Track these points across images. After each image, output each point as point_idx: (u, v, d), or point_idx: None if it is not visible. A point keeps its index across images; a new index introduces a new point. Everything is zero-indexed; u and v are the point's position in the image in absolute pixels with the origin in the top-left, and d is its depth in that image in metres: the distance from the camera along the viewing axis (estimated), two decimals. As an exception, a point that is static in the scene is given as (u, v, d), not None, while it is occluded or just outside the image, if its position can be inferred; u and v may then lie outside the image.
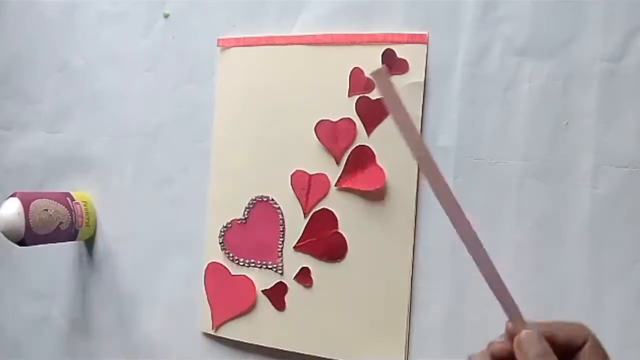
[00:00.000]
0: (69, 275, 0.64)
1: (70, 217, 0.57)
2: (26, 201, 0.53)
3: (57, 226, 0.56)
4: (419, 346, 0.48)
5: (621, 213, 0.44)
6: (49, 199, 0.56)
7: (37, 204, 0.54)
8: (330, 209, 0.52)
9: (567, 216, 0.45)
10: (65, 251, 0.64)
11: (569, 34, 0.45)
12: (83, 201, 0.60)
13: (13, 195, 0.53)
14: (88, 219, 0.59)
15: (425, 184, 0.48)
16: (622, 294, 0.44)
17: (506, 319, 0.45)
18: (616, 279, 0.44)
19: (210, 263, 0.56)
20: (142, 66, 0.60)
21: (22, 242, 0.53)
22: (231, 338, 0.55)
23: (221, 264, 0.56)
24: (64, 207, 0.57)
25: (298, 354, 0.52)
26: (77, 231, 0.58)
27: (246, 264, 0.55)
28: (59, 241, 0.57)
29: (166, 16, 0.59)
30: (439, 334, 0.48)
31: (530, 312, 0.45)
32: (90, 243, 0.62)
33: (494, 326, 0.45)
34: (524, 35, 0.47)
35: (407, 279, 0.49)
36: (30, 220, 0.53)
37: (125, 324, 0.60)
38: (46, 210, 0.54)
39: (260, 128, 0.54)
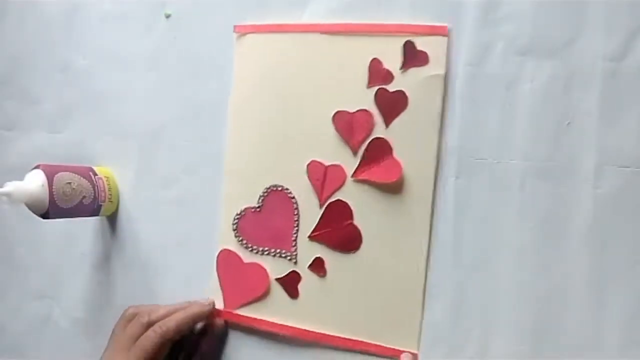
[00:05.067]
0: (71, 275, 0.63)
1: (93, 191, 0.56)
2: (50, 173, 0.52)
3: (80, 200, 0.54)
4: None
5: (623, 213, 0.45)
6: (73, 172, 0.54)
7: (61, 177, 0.53)
8: (346, 200, 0.51)
9: (569, 216, 0.46)
10: (66, 250, 0.63)
11: (571, 33, 0.46)
12: (106, 176, 0.59)
13: (37, 167, 0.52)
14: (111, 194, 0.58)
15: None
16: (625, 294, 0.45)
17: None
18: (618, 279, 0.45)
19: (222, 250, 0.56)
20: (143, 66, 0.59)
21: (45, 215, 0.52)
22: (243, 325, 0.54)
23: (233, 252, 0.55)
24: (87, 181, 0.56)
25: (310, 341, 0.52)
26: (100, 206, 0.57)
27: (260, 252, 0.54)
28: (81, 215, 0.56)
29: (167, 16, 0.58)
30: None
31: (532, 312, 0.46)
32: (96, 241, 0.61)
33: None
34: (525, 35, 0.47)
35: (422, 273, 0.49)
36: (54, 193, 0.51)
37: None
38: (69, 183, 0.53)
39: (276, 117, 0.53)
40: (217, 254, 0.56)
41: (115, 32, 0.60)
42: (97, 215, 0.58)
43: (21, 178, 0.51)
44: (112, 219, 0.61)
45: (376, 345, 0.50)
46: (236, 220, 0.55)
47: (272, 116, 0.54)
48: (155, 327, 0.50)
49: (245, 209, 0.55)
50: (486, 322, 0.47)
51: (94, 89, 0.61)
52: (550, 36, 0.46)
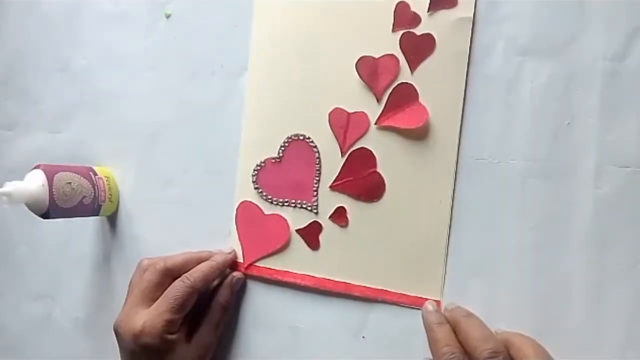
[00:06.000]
0: (71, 274, 0.63)
1: (93, 191, 0.56)
2: (50, 173, 0.52)
3: (81, 200, 0.55)
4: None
5: (623, 213, 0.45)
6: (73, 172, 0.55)
7: (61, 177, 0.53)
8: (369, 147, 0.50)
9: (570, 216, 0.46)
10: (66, 250, 0.63)
11: (571, 33, 0.46)
12: (106, 176, 0.59)
13: (37, 167, 0.52)
14: (111, 194, 0.59)
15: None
16: (625, 294, 0.45)
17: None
18: (619, 279, 0.45)
19: (242, 202, 0.55)
20: (143, 66, 0.59)
21: (45, 215, 0.52)
22: (263, 277, 0.54)
23: (254, 203, 0.54)
24: (87, 181, 0.56)
25: (332, 291, 0.52)
26: (100, 206, 0.57)
27: (280, 203, 0.54)
28: (81, 215, 0.56)
29: (168, 16, 0.58)
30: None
31: (532, 313, 0.46)
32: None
33: (506, 322, 0.47)
34: (526, 35, 0.47)
35: (446, 220, 0.48)
36: (54, 193, 0.52)
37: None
38: (69, 183, 0.53)
39: (298, 63, 0.52)
40: (236, 207, 0.55)
41: (115, 32, 0.60)
42: (97, 215, 0.58)
43: (21, 178, 0.51)
44: (112, 219, 0.61)
45: (398, 294, 0.50)
46: (255, 172, 0.54)
47: (294, 63, 0.53)
48: (183, 277, 0.49)
49: (266, 159, 0.54)
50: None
51: (94, 89, 0.62)
52: (550, 36, 0.46)
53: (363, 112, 0.51)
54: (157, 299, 0.49)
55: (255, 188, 0.54)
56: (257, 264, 0.54)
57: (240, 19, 0.55)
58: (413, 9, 0.49)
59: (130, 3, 0.60)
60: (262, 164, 0.54)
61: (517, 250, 0.47)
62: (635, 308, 0.44)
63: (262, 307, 0.55)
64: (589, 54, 0.46)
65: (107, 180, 0.58)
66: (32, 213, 0.52)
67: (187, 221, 0.58)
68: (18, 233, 0.66)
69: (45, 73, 0.64)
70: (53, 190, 0.51)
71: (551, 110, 0.46)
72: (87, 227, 0.62)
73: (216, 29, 0.56)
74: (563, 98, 0.46)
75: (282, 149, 0.54)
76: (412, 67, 0.50)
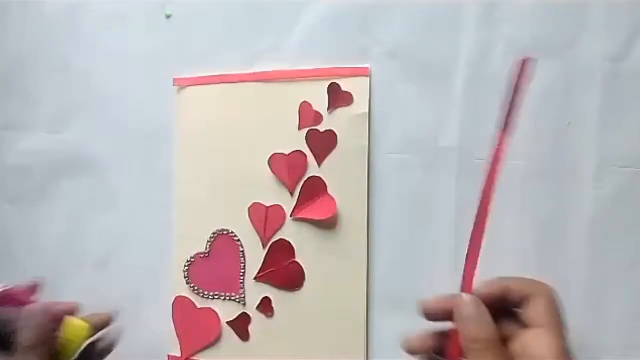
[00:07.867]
0: (71, 274, 0.62)
1: None
2: None
3: None
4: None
5: (624, 213, 0.45)
6: None
7: None
8: (287, 238, 0.53)
9: (570, 216, 0.46)
10: (67, 250, 0.63)
11: (571, 33, 0.46)
12: (70, 338, 0.42)
13: None
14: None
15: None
16: (625, 294, 0.45)
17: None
18: (619, 278, 0.45)
19: (176, 297, 0.57)
20: (143, 66, 0.59)
21: None
22: None
23: (187, 298, 0.56)
24: None
25: None
26: None
27: (210, 297, 0.56)
28: None
29: (168, 16, 0.58)
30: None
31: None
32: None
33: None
34: (525, 35, 0.47)
35: (363, 304, 0.51)
36: None
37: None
38: None
39: (218, 163, 0.55)
40: (172, 302, 0.57)
41: (115, 32, 0.60)
42: None
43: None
44: (113, 219, 0.61)
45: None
46: (187, 267, 0.56)
47: (215, 162, 0.55)
48: None
49: (195, 254, 0.56)
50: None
51: (94, 89, 0.61)
52: (550, 36, 0.47)
53: (279, 205, 0.54)
54: None
55: (187, 283, 0.56)
56: (193, 358, 0.56)
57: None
58: (315, 107, 0.52)
59: (130, 3, 0.59)
60: (192, 259, 0.56)
61: (517, 250, 0.47)
62: (635, 308, 0.45)
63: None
64: (589, 55, 0.46)
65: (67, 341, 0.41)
66: (32, 212, 0.51)
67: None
68: (18, 233, 0.66)
69: (45, 73, 0.64)
70: None
71: (551, 111, 0.46)
72: (88, 227, 0.62)
73: (215, 28, 0.56)
74: (563, 98, 0.46)
75: (209, 243, 0.56)
76: (319, 161, 0.52)
